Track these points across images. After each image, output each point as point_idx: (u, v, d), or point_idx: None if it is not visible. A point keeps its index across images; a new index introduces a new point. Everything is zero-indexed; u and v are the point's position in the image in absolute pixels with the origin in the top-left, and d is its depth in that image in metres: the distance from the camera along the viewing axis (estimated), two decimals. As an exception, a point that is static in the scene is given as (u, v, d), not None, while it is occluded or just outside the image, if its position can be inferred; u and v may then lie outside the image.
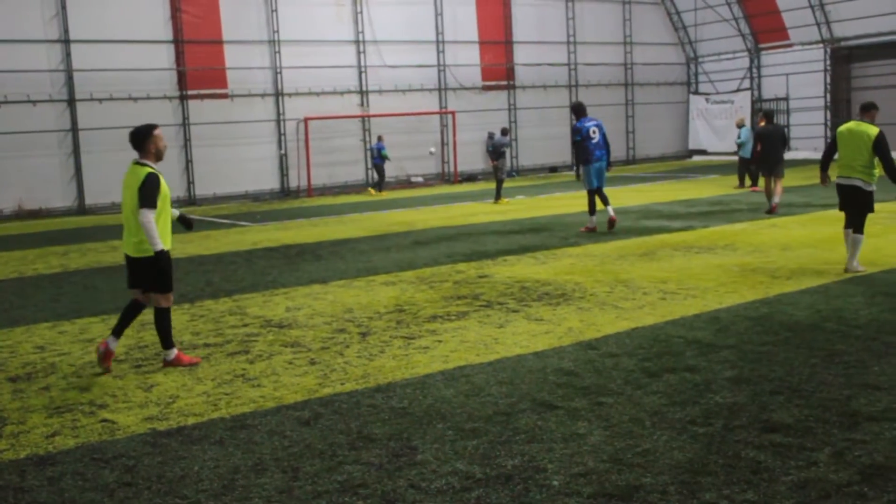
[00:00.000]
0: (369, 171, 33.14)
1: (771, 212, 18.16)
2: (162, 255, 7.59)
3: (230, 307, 10.65)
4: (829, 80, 38.11)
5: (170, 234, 7.93)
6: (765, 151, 18.89)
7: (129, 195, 7.71)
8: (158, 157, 7.85)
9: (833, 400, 6.05)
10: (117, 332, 7.89)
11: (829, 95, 38.09)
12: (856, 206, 11.04)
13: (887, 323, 8.22)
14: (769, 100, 39.73)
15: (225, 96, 30.27)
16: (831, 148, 11.38)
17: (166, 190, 7.80)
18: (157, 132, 7.83)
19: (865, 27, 36.42)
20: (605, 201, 16.40)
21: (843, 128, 11.20)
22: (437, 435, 5.69)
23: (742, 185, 25.00)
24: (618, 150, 39.74)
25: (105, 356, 7.78)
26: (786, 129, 20.17)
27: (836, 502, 4.46)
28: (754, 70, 40.70)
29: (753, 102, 40.16)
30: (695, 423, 5.68)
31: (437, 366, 7.43)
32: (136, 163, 7.78)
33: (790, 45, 39.31)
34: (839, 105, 38.12)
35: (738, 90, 40.81)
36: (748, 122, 33.31)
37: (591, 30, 38.80)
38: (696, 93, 42.41)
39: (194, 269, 14.05)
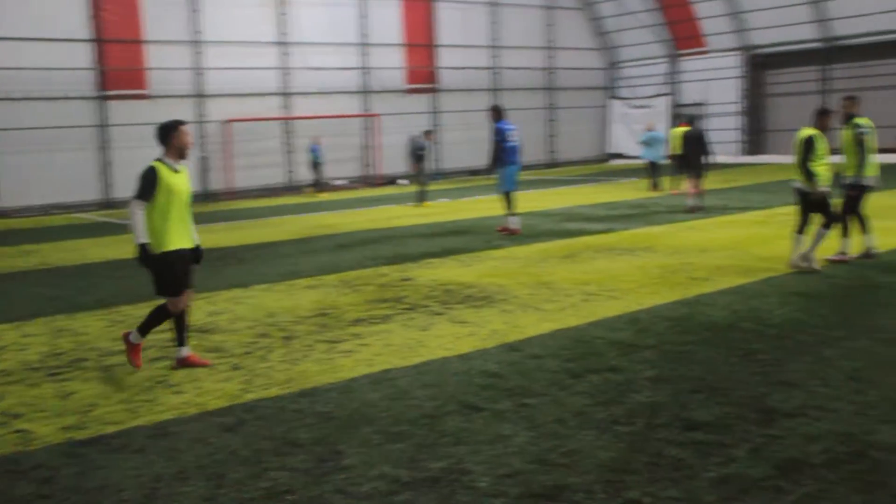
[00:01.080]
0: (290, 174, 32.86)
1: (692, 210, 18.99)
2: (142, 250, 7.39)
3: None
4: (744, 86, 39.12)
5: (186, 233, 7.71)
6: (686, 154, 19.98)
7: None
8: (181, 154, 7.67)
9: (750, 397, 6.20)
10: (180, 340, 7.83)
11: (745, 101, 39.11)
12: (809, 207, 11.52)
13: (800, 322, 8.46)
14: (687, 105, 40.54)
15: (145, 97, 29.67)
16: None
17: (178, 186, 7.56)
18: (182, 128, 7.68)
19: (780, 35, 37.49)
20: (512, 209, 16.68)
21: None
22: (363, 439, 5.67)
23: (655, 188, 25.57)
24: (539, 154, 40.19)
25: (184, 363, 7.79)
26: (705, 133, 21.00)
27: (754, 497, 4.58)
28: (673, 76, 41.54)
29: (672, 107, 40.97)
30: (618, 423, 5.77)
31: (361, 369, 7.40)
32: (155, 159, 7.63)
33: (707, 52, 40.24)
34: (755, 111, 39.17)
35: (657, 95, 41.59)
36: (661, 128, 34.09)
37: (514, 34, 39.14)
38: (617, 97, 43.09)
39: (112, 273, 13.75)
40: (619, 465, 5.05)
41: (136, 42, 29.42)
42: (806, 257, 11.41)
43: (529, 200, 23.22)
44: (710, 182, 21.84)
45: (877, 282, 10.37)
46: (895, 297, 9.48)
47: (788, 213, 17.81)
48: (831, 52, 36.67)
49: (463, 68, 37.53)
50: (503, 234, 16.27)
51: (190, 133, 7.79)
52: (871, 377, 6.59)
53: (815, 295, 9.72)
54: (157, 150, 7.65)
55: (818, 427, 5.55)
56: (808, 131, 11.41)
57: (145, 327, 7.75)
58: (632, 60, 42.60)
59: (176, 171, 7.62)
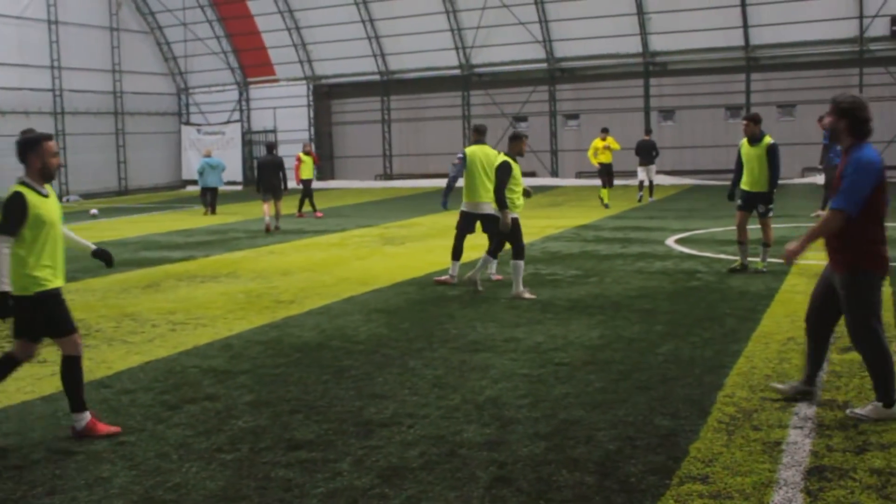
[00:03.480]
0: None
1: (268, 231, 20.20)
2: (3, 300, 5.89)
3: None
4: (312, 114, 40.63)
5: (58, 268, 6.20)
6: (264, 179, 21.07)
7: None
8: (46, 175, 6.18)
9: (348, 412, 6.47)
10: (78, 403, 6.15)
11: (312, 129, 40.59)
12: (495, 233, 11.50)
13: (384, 337, 8.99)
14: (258, 132, 41.20)
15: None
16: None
17: (48, 214, 6.11)
18: (47, 143, 6.17)
19: (342, 67, 39.54)
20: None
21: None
22: (-65, 501, 5.05)
23: (211, 212, 26.23)
24: (109, 181, 38.44)
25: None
26: (283, 159, 22.11)
27: (362, 506, 4.79)
28: (244, 103, 41.93)
29: (244, 134, 41.34)
30: (222, 451, 5.71)
31: (-75, 424, 6.57)
32: (18, 181, 6.15)
33: (276, 81, 41.21)
34: (322, 138, 40.84)
35: (228, 122, 41.70)
36: (232, 154, 34.51)
37: (77, 55, 36.91)
38: (188, 123, 42.51)
39: None
40: (228, 494, 5.00)
41: None
42: (516, 294, 11.01)
43: (102, 230, 22.15)
44: (286, 207, 22.41)
45: (447, 296, 11.31)
46: (463, 309, 10.40)
47: (363, 236, 18.85)
48: (389, 85, 39.39)
49: (19, 89, 34.70)
50: None
51: (56, 148, 6.33)
52: (451, 382, 7.18)
53: (395, 311, 10.37)
54: None
55: (412, 433, 5.94)
56: (502, 157, 11.19)
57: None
58: (203, 87, 42.32)
59: (45, 196, 6.17)
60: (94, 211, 27.81)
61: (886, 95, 31.69)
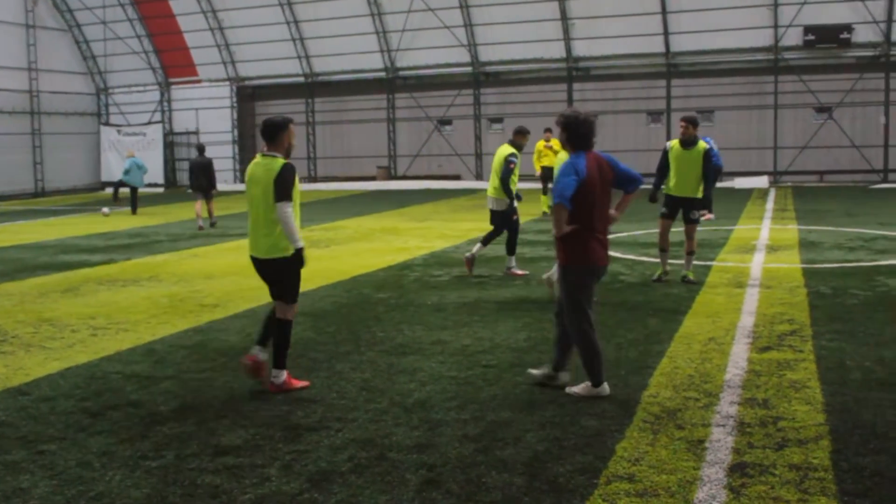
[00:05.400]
0: None
1: (201, 229, 20.83)
2: (301, 254, 7.02)
3: None
4: (235, 116, 40.15)
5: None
6: (194, 179, 21.81)
7: (260, 190, 7.03)
8: (289, 153, 7.22)
9: (275, 416, 6.41)
10: (263, 341, 7.28)
11: (236, 130, 40.13)
12: (496, 225, 12.84)
13: (311, 341, 8.93)
14: (181, 133, 40.55)
15: None
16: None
17: (296, 187, 7.11)
18: (292, 126, 7.33)
19: (266, 69, 39.17)
20: None
21: None
22: None
23: (133, 212, 26.85)
24: (24, 183, 37.43)
25: (255, 369, 7.16)
26: (212, 161, 22.20)
27: (292, 512, 4.75)
28: (165, 104, 41.22)
29: (166, 135, 40.65)
30: (147, 458, 5.61)
31: None
32: (267, 155, 7.15)
33: (199, 82, 40.62)
34: (245, 140, 40.42)
35: (150, 123, 40.95)
36: (153, 155, 34.05)
37: (-11, 52, 35.93)
38: (108, 124, 41.62)
39: None
40: (153, 502, 4.91)
41: None
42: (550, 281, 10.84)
43: (17, 233, 21.57)
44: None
45: (373, 299, 11.28)
46: (389, 312, 10.39)
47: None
48: (314, 87, 39.16)
49: (-72, 87, 33.64)
50: None
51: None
52: (379, 386, 7.17)
53: (321, 314, 10.31)
54: None
55: (341, 437, 5.91)
56: (508, 149, 12.49)
57: (281, 351, 7.16)
58: (123, 87, 41.50)
59: None
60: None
61: (799, 103, 32.72)
